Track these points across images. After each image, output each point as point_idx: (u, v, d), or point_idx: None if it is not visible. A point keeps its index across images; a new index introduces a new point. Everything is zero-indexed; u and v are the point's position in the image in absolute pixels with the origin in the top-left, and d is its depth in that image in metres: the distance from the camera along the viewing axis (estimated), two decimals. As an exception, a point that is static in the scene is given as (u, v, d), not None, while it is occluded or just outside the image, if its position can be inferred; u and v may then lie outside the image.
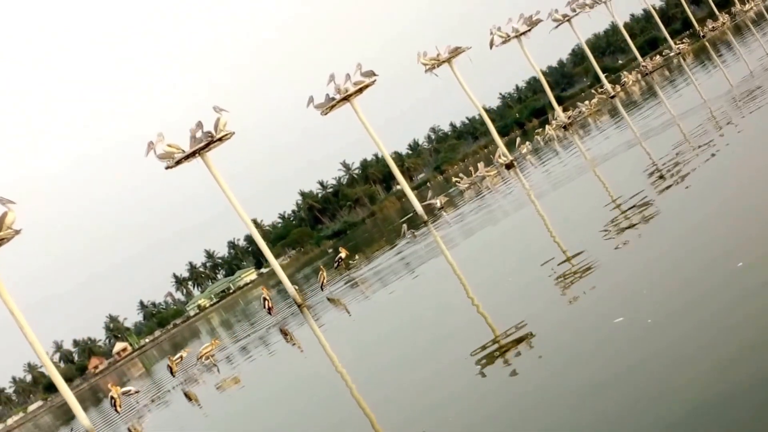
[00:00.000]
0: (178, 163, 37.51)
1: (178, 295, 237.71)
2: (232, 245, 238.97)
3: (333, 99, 47.38)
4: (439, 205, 52.66)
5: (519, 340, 12.35)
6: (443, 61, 56.44)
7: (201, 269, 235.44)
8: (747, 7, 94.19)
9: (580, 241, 17.29)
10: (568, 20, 72.86)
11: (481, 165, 60.64)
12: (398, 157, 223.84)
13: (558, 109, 70.67)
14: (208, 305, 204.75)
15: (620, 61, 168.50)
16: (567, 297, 13.44)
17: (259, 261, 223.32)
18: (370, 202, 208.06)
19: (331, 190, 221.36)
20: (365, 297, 29.76)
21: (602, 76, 76.90)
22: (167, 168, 37.54)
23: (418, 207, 49.78)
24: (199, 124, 36.61)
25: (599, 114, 63.92)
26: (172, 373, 39.20)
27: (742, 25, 77.37)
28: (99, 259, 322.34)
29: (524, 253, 19.86)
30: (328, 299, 35.07)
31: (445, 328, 16.32)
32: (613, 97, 72.46)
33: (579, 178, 28.85)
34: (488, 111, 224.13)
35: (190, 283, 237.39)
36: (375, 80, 48.31)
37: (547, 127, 65.32)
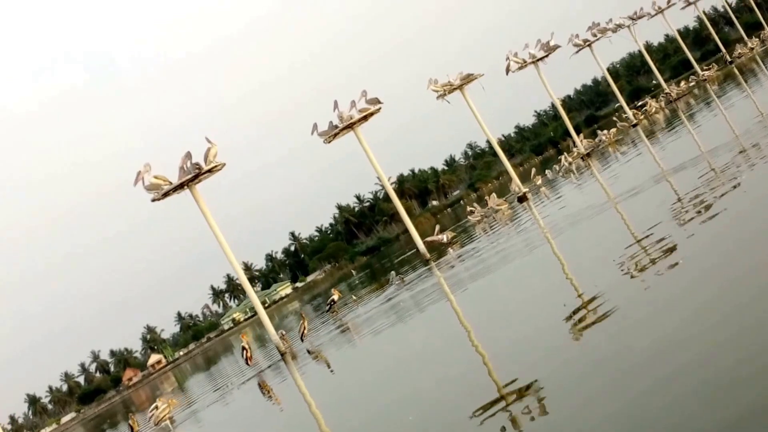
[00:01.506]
0: (166, 195, 36.91)
1: (215, 307, 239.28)
2: (269, 258, 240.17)
3: (336, 126, 47.33)
4: (445, 240, 51.97)
5: (524, 398, 11.62)
6: (455, 88, 56.16)
7: (238, 282, 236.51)
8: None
9: (597, 285, 16.46)
10: (589, 45, 72.26)
11: (493, 196, 60.08)
12: (434, 173, 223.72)
13: (576, 138, 69.66)
14: (242, 319, 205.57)
15: (654, 81, 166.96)
16: (580, 349, 12.84)
17: (295, 275, 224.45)
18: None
19: (367, 204, 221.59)
20: (353, 346, 28.88)
21: (624, 104, 76.07)
22: (153, 200, 37.30)
23: (420, 244, 49.23)
24: (188, 155, 36.28)
25: (619, 144, 63.11)
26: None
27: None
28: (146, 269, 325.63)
29: (536, 300, 18.81)
30: (308, 351, 33.85)
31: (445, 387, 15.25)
32: (635, 125, 71.58)
33: (594, 216, 27.23)
34: (524, 129, 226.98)
35: (227, 295, 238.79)
36: (380, 108, 48.17)
37: (563, 157, 64.51)
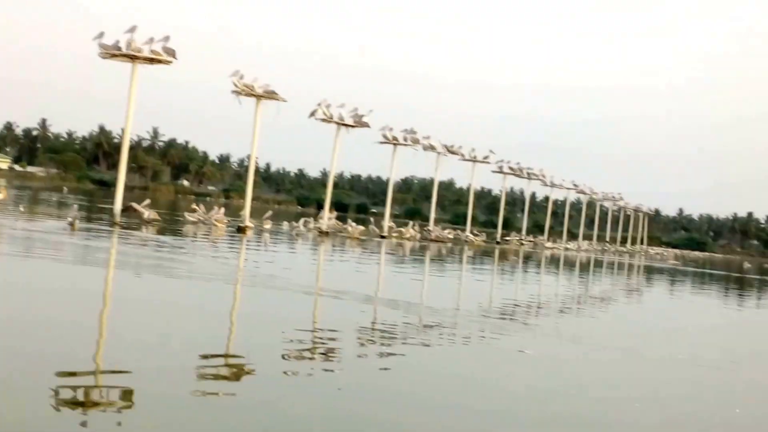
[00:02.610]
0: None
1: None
2: (7, 127, 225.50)
3: (119, 49, 43.66)
4: (145, 215, 49.16)
5: None
6: (253, 95, 53.39)
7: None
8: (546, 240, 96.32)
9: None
10: (394, 144, 71.35)
11: (222, 210, 57.67)
12: (204, 158, 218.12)
13: (327, 213, 67.97)
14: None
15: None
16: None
17: (20, 157, 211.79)
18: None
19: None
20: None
21: (388, 214, 75.31)
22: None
23: (118, 203, 45.70)
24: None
25: (359, 242, 61.73)
26: None
27: (537, 254, 77.77)
28: None
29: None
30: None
31: None
32: (383, 237, 70.63)
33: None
34: (303, 176, 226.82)
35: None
36: (171, 62, 44.90)
37: (303, 220, 62.87)
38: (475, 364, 15.07)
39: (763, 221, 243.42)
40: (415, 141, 73.27)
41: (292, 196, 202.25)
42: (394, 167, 73.20)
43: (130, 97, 44.53)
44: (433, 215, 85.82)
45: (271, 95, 54.11)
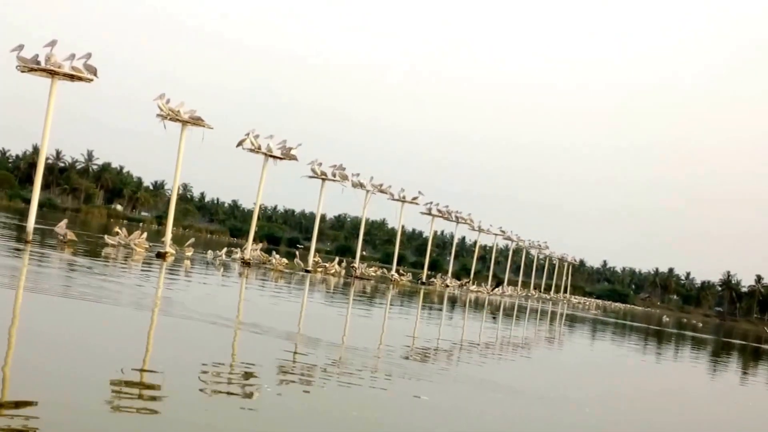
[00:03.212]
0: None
1: None
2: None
3: (38, 63, 42.90)
4: (62, 235, 48.07)
5: None
6: (178, 119, 52.82)
7: None
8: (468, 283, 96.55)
9: None
10: (322, 179, 71.11)
11: (144, 235, 56.87)
12: (138, 184, 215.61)
13: (251, 244, 67.54)
14: None
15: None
16: None
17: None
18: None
19: (63, 164, 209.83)
20: None
21: (314, 247, 74.98)
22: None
23: (31, 221, 44.84)
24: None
25: (282, 275, 61.18)
26: None
27: (460, 297, 77.81)
28: None
29: None
30: None
31: None
32: (307, 271, 70.26)
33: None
34: (237, 207, 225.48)
35: None
36: (92, 80, 44.24)
37: (226, 249, 62.21)
38: (349, 405, 14.60)
39: (683, 277, 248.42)
40: (344, 177, 73.09)
41: (225, 226, 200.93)
42: (321, 202, 72.87)
43: (48, 114, 43.74)
44: (359, 252, 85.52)
45: (196, 121, 53.59)
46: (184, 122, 53.30)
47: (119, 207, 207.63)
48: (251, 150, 62.53)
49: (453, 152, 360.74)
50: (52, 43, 42.45)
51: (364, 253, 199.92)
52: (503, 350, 30.79)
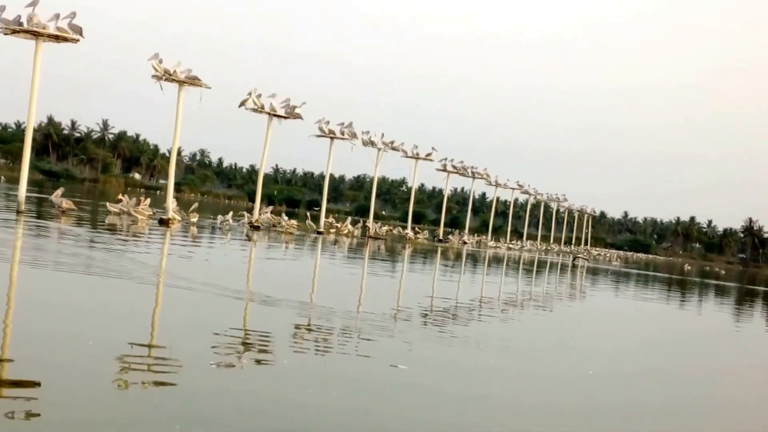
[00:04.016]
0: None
1: None
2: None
3: (21, 24, 41.09)
4: (61, 205, 46.65)
5: None
6: (174, 80, 50.97)
7: None
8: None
9: None
10: (331, 138, 69.22)
11: (147, 201, 55.45)
12: (154, 151, 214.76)
13: (259, 207, 65.64)
14: None
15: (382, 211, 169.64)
16: None
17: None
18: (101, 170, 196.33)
19: (78, 134, 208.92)
20: None
21: (324, 211, 73.03)
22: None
23: (22, 190, 43.31)
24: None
25: (292, 237, 59.54)
26: None
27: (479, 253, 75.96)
28: None
29: None
30: None
31: None
32: (320, 233, 68.57)
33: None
34: (257, 173, 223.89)
35: None
36: (78, 40, 42.44)
37: (231, 213, 60.53)
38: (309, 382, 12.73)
39: (705, 225, 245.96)
40: (353, 135, 71.02)
41: (244, 191, 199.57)
42: (330, 161, 70.98)
43: (34, 78, 41.91)
44: (372, 212, 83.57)
45: (193, 81, 51.66)
46: (181, 82, 51.38)
47: (137, 175, 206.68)
48: (254, 110, 60.70)
49: (466, 104, 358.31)
50: (34, 3, 40.58)
51: (383, 212, 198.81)
52: (509, 308, 28.92)
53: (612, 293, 47.90)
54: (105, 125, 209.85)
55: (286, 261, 39.33)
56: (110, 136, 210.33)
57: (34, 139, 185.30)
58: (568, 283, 51.14)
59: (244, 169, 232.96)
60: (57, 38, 41.59)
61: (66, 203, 47.08)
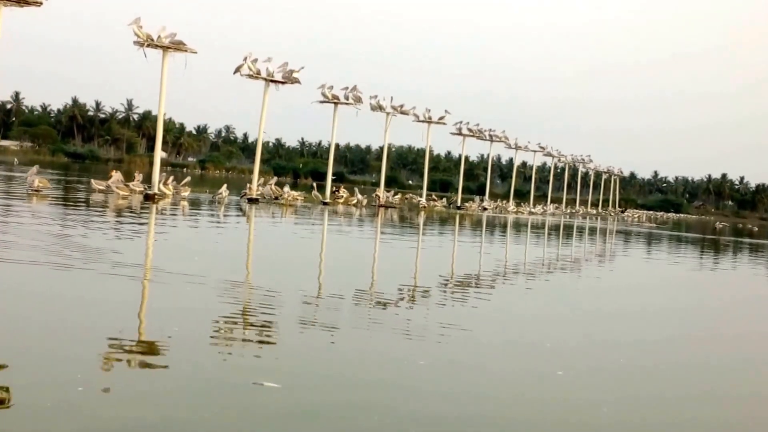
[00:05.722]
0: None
1: None
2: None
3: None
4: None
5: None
6: (156, 45, 48.50)
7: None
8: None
9: None
10: (335, 104, 66.42)
11: (137, 176, 53.22)
12: (181, 129, 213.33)
13: (254, 177, 62.64)
14: None
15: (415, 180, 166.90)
16: None
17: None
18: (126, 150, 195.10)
19: (103, 115, 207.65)
20: None
21: (329, 180, 69.88)
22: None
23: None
24: None
25: (293, 208, 56.99)
26: None
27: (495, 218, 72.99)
28: None
29: None
30: None
31: None
32: (326, 203, 65.80)
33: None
34: (282, 147, 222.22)
35: None
36: (41, 4, 40.03)
37: (225, 186, 58.06)
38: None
39: (737, 182, 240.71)
40: (358, 99, 67.87)
41: (270, 166, 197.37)
42: (335, 128, 68.20)
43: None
44: (383, 180, 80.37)
45: (177, 46, 49.22)
46: (165, 48, 48.99)
47: (164, 154, 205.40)
48: (250, 76, 58.11)
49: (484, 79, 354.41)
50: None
51: (410, 182, 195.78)
52: (518, 277, 26.13)
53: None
54: (129, 105, 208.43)
55: (263, 236, 36.74)
56: (135, 116, 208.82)
57: (59, 122, 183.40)
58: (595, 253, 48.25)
59: (270, 144, 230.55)
60: (18, 1, 39.21)
61: (40, 181, 44.48)
